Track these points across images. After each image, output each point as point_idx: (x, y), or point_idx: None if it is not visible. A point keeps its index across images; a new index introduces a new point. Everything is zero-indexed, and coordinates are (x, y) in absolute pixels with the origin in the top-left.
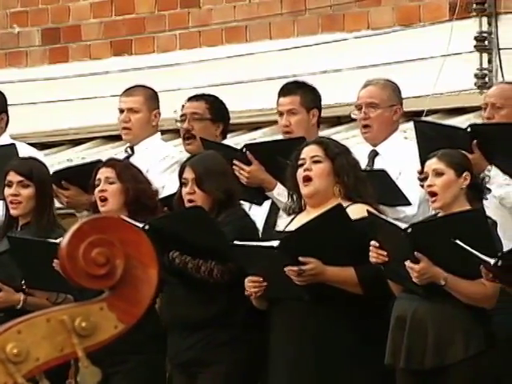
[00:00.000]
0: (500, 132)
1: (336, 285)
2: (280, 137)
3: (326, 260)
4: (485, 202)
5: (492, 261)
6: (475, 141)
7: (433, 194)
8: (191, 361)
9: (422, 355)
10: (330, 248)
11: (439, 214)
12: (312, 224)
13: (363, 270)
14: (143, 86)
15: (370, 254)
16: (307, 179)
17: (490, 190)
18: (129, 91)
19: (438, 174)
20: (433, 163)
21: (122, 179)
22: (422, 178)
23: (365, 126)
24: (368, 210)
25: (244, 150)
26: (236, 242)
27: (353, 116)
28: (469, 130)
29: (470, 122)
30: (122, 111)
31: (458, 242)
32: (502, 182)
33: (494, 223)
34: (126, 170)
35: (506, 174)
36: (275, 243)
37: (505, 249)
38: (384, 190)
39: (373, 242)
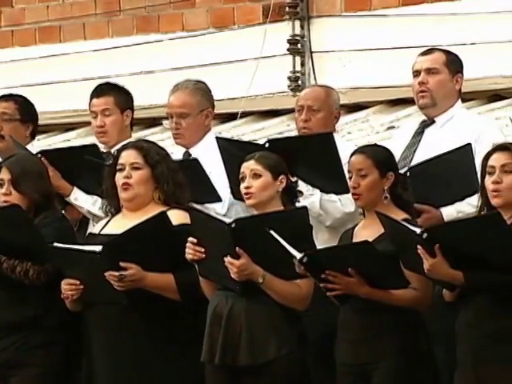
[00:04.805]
0: (296, 144)
1: (156, 291)
2: (94, 138)
3: (146, 266)
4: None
5: (298, 256)
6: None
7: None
8: (4, 363)
9: (236, 353)
10: (151, 254)
11: (254, 213)
12: (135, 230)
13: (182, 277)
14: None
15: (187, 250)
16: (127, 185)
17: (302, 193)
18: None
19: (256, 175)
20: (250, 164)
21: None
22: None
23: (177, 134)
24: (189, 206)
25: (39, 155)
26: (56, 244)
27: (165, 126)
28: (267, 145)
29: (283, 123)
30: None
31: (271, 232)
32: (306, 193)
33: (310, 226)
34: None
35: (309, 184)
36: (97, 248)
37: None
38: (196, 183)
39: (190, 239)
